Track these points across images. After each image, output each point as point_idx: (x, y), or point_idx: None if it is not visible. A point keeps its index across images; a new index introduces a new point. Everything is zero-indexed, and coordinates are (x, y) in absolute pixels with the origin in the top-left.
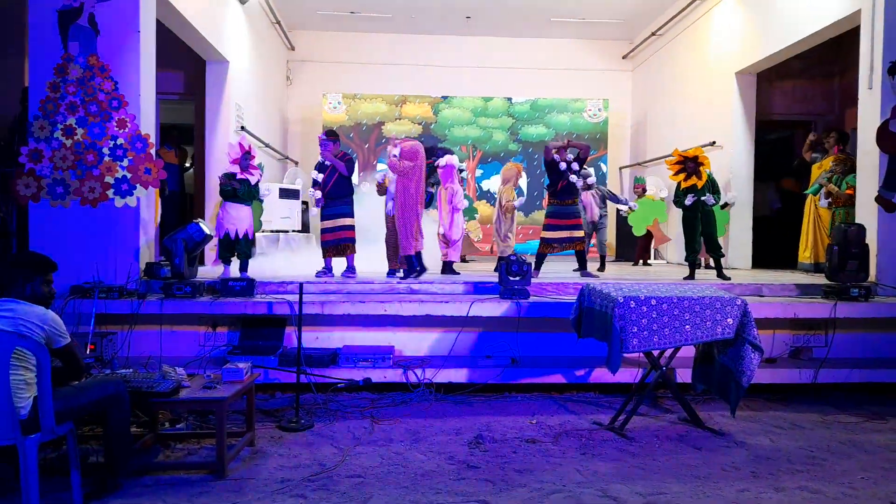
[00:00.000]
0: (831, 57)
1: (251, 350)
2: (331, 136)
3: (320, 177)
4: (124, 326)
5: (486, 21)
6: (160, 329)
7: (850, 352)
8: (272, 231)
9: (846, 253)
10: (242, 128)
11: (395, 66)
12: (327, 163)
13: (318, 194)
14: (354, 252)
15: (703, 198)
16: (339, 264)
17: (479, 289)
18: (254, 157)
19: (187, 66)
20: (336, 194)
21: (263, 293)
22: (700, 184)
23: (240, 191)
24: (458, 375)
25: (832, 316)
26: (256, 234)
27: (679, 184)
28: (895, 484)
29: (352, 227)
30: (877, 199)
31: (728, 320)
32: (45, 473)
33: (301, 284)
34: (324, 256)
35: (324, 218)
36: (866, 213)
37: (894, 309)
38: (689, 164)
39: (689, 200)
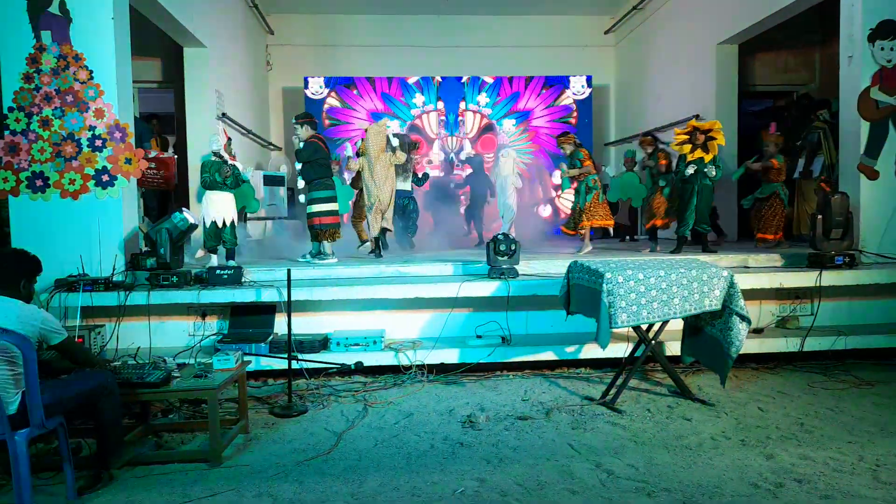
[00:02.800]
0: (812, 26)
1: (241, 338)
2: (298, 119)
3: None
4: (112, 319)
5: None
6: (148, 320)
7: (835, 319)
8: (258, 218)
9: (830, 221)
10: (224, 115)
11: (375, 47)
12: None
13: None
14: (329, 238)
15: (705, 169)
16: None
17: (467, 269)
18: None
19: (164, 53)
20: (309, 179)
21: (251, 280)
22: (708, 157)
23: (228, 180)
24: (450, 356)
25: (817, 285)
26: (247, 221)
27: (685, 155)
28: (881, 448)
29: (325, 213)
30: (859, 167)
31: (715, 292)
32: (38, 468)
33: (289, 270)
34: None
35: (306, 202)
36: (849, 181)
37: (878, 276)
38: (698, 136)
39: (690, 169)
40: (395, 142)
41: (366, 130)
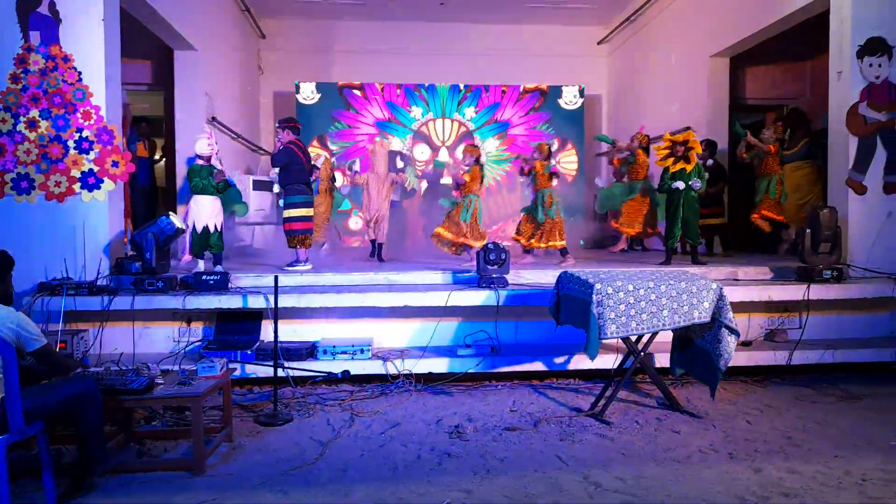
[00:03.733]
0: (803, 40)
1: (227, 345)
2: (282, 123)
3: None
4: (95, 323)
5: (460, 7)
6: (132, 325)
7: (823, 333)
8: (246, 223)
9: (819, 235)
10: (214, 118)
11: (369, 53)
12: None
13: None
14: (300, 244)
15: (690, 182)
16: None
17: (457, 278)
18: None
19: (154, 56)
20: (284, 184)
21: (238, 287)
22: (689, 168)
23: (220, 184)
24: (438, 365)
25: (805, 298)
26: (237, 226)
27: (667, 168)
28: (868, 461)
29: (297, 219)
30: (847, 182)
31: (704, 304)
32: (17, 475)
33: (276, 277)
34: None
35: (283, 208)
36: (838, 195)
37: (865, 290)
38: (677, 149)
39: (678, 185)
40: (401, 164)
41: (372, 151)
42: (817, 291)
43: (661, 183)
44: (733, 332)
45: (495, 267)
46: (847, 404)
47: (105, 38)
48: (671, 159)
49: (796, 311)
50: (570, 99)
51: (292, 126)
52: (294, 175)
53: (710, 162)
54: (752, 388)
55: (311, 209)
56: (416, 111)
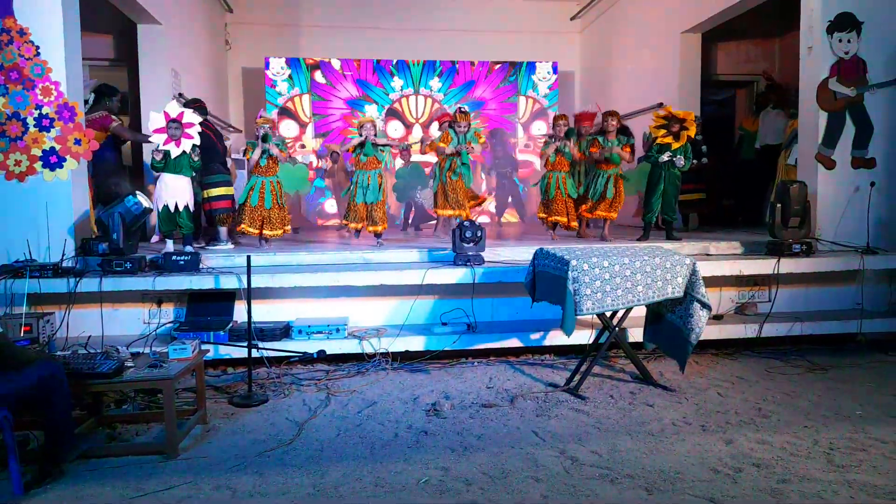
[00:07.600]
0: (774, 16)
1: (199, 326)
2: (187, 105)
3: None
4: (61, 306)
5: None
6: (100, 307)
7: (792, 306)
8: None
9: (789, 210)
10: (180, 95)
11: (337, 29)
12: None
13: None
14: (224, 223)
15: (674, 158)
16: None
17: (433, 256)
18: (191, 125)
19: (116, 30)
20: (201, 165)
21: (209, 267)
22: (676, 145)
23: (161, 162)
24: (415, 343)
25: (775, 272)
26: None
27: (656, 139)
28: (835, 431)
29: (216, 198)
30: (817, 157)
31: (678, 279)
32: None
33: (249, 256)
34: None
35: (200, 188)
36: (807, 170)
37: (833, 263)
38: (673, 124)
39: (665, 157)
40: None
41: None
42: (787, 265)
43: (647, 153)
44: (705, 306)
45: (471, 245)
46: (815, 376)
47: (63, 11)
48: (663, 131)
49: (766, 285)
50: (543, 75)
51: (198, 107)
52: (210, 154)
53: (698, 137)
54: (723, 360)
55: (231, 188)
56: (395, 84)
